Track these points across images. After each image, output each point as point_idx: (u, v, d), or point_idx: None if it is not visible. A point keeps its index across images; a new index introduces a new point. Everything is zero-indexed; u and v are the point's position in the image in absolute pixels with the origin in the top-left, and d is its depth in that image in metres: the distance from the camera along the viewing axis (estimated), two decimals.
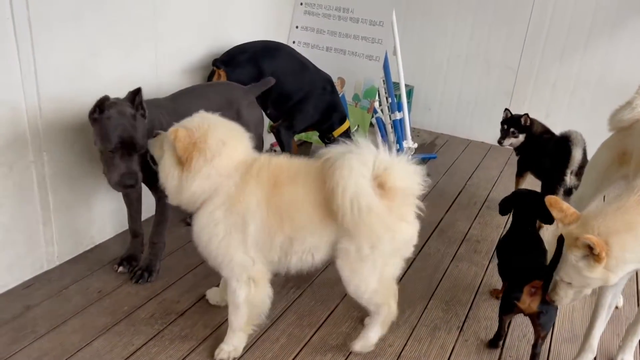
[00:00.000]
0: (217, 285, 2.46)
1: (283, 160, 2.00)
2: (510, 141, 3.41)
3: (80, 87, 2.48)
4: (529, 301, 2.03)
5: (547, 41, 4.36)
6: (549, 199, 1.87)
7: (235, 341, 2.10)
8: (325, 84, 3.43)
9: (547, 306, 2.00)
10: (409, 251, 2.04)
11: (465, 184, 3.97)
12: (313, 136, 3.96)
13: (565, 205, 1.86)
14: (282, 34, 3.95)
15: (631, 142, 2.30)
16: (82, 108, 2.39)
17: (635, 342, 2.20)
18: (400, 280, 2.74)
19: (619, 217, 1.75)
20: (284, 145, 3.43)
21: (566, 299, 1.91)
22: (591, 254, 1.72)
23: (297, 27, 3.92)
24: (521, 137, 3.38)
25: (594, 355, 2.15)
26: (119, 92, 2.28)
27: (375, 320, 2.13)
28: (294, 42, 3.94)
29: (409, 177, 1.89)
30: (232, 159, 1.92)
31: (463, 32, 4.64)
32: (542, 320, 2.05)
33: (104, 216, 2.85)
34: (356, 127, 3.78)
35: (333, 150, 1.87)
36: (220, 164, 1.89)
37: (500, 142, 3.45)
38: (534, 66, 4.45)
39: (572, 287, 1.86)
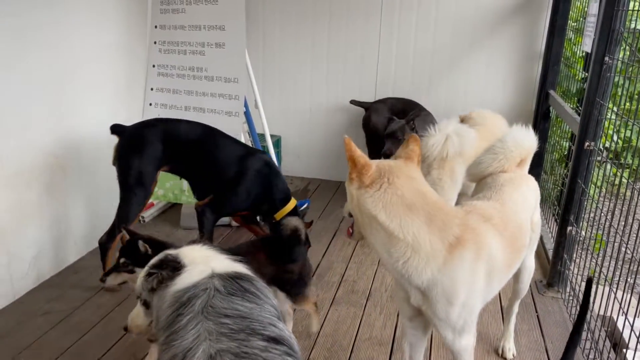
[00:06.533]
0: None
1: None
2: None
3: None
4: None
5: (395, 82, 4.70)
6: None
7: None
8: (261, 167, 3.12)
9: None
10: None
11: (338, 226, 4.07)
12: (182, 197, 3.85)
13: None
14: (137, 97, 3.85)
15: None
16: None
17: (512, 330, 2.57)
18: None
19: (420, 196, 1.74)
20: (203, 228, 3.10)
21: (345, 210, 1.92)
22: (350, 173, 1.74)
23: (152, 89, 3.85)
24: None
25: None
26: None
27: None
28: (150, 105, 3.85)
29: None
30: None
31: (320, 80, 4.86)
32: None
33: None
34: None
35: None
36: None
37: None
38: None
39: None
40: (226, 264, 1.65)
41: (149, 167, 3.00)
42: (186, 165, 3.12)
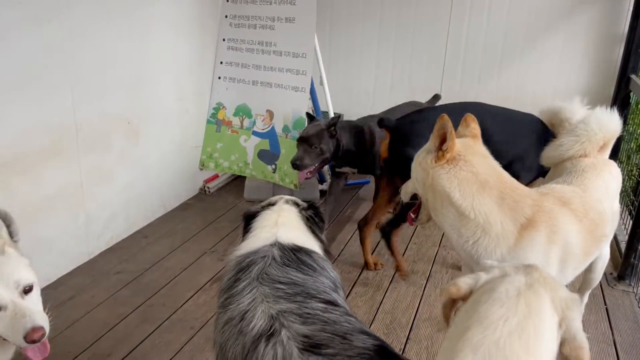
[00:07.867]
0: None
1: None
2: None
3: None
4: None
5: (464, 64, 4.57)
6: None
7: None
8: (538, 126, 2.82)
9: None
10: None
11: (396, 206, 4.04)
12: (246, 169, 3.93)
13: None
14: (207, 71, 3.93)
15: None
16: None
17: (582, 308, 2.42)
18: None
19: (494, 174, 1.74)
20: None
21: (405, 194, 1.94)
22: (440, 149, 1.72)
23: (221, 62, 3.92)
24: None
25: None
26: (33, 141, 2.18)
27: None
28: (219, 78, 3.93)
29: None
30: None
31: (386, 61, 4.79)
32: None
33: None
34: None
35: None
36: None
37: None
38: (454, 88, 4.63)
39: (412, 181, 1.88)
40: (293, 234, 1.68)
41: None
42: None
